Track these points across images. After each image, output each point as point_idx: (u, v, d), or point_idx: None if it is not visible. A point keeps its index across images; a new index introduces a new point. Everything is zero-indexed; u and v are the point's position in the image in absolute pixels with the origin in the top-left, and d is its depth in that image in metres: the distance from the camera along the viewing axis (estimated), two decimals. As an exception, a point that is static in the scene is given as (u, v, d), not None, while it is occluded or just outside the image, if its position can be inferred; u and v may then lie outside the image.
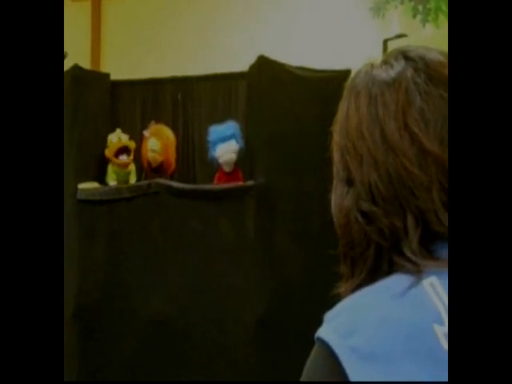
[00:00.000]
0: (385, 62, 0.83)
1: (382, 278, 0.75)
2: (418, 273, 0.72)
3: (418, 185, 0.74)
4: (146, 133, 3.34)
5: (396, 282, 0.73)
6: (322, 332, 0.72)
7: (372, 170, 0.77)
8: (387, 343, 0.68)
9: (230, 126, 3.23)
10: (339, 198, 0.81)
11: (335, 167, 0.83)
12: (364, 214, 0.77)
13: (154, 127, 3.36)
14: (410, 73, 0.79)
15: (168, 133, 3.37)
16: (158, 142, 3.30)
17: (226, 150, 3.19)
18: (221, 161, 3.22)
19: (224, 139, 3.19)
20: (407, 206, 0.75)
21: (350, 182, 0.79)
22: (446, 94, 0.77)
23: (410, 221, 0.74)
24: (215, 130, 3.23)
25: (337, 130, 0.84)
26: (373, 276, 0.76)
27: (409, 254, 0.73)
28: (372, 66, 0.84)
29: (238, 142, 3.22)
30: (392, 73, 0.80)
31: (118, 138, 3.31)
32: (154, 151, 3.29)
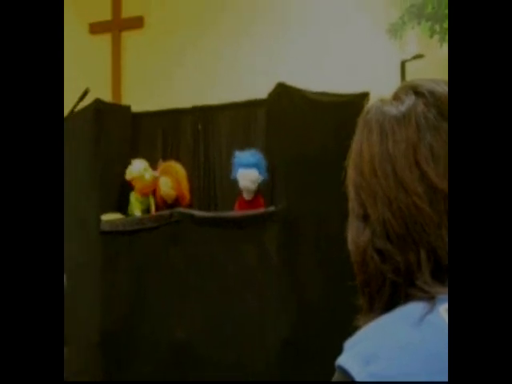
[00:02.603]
0: (395, 98, 0.83)
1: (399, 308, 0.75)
2: (431, 299, 0.73)
3: (429, 222, 0.75)
4: (155, 173, 3.39)
5: (412, 309, 0.73)
6: (342, 360, 0.72)
7: (385, 207, 0.78)
8: (406, 368, 0.68)
9: (254, 155, 3.24)
10: (355, 235, 0.81)
11: (350, 203, 0.84)
12: (379, 251, 0.77)
13: (162, 166, 3.42)
14: (420, 108, 0.79)
15: (177, 167, 3.42)
16: (169, 178, 3.37)
17: (244, 177, 3.20)
18: (240, 185, 3.24)
19: (246, 166, 3.20)
20: (420, 242, 0.75)
21: (365, 218, 0.80)
22: None
23: (423, 255, 0.75)
24: (239, 155, 3.25)
25: (351, 165, 0.84)
26: (390, 310, 0.76)
27: (422, 284, 0.74)
28: (382, 101, 0.84)
29: (260, 172, 3.22)
30: (402, 108, 0.80)
31: (151, 176, 3.37)
32: (166, 188, 3.35)
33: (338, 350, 0.75)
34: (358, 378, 0.68)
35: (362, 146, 0.82)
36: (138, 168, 3.38)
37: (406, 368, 0.68)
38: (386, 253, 0.76)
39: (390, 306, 0.76)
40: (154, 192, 3.44)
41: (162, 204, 3.41)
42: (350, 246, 0.83)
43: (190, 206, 3.42)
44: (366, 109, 0.85)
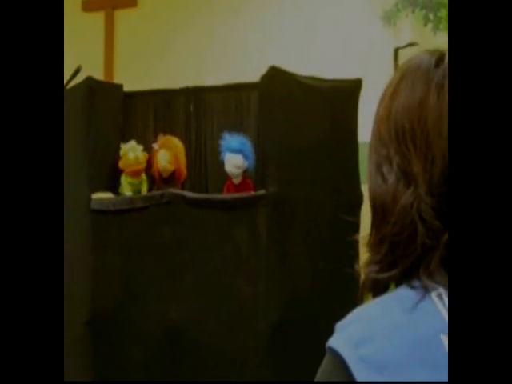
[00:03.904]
0: None
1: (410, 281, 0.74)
2: (424, 288, 0.72)
3: None
4: (155, 146, 3.37)
5: (405, 295, 0.73)
6: (333, 342, 0.72)
7: (441, 179, 0.73)
8: (396, 353, 0.68)
9: (239, 141, 3.24)
10: (394, 187, 0.75)
11: (381, 143, 0.78)
12: (424, 222, 0.73)
13: (162, 140, 3.40)
14: None
15: (176, 142, 3.41)
16: (168, 152, 3.35)
17: (229, 161, 3.22)
18: (225, 168, 3.25)
19: (230, 150, 3.21)
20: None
21: (407, 174, 0.75)
22: None
23: (445, 239, 0.72)
24: (226, 138, 3.26)
25: (398, 109, 0.78)
26: (402, 278, 0.75)
27: (422, 274, 0.73)
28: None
29: (246, 158, 3.22)
30: None
31: (135, 155, 3.33)
32: (165, 162, 3.33)
33: (329, 335, 0.77)
34: (349, 361, 0.69)
35: (427, 99, 0.76)
36: (123, 148, 3.36)
37: (397, 352, 0.68)
38: (432, 227, 0.72)
39: (403, 275, 0.74)
40: (148, 169, 3.41)
41: (159, 178, 3.40)
42: (382, 192, 0.77)
43: (184, 183, 3.42)
44: (423, 58, 0.80)
